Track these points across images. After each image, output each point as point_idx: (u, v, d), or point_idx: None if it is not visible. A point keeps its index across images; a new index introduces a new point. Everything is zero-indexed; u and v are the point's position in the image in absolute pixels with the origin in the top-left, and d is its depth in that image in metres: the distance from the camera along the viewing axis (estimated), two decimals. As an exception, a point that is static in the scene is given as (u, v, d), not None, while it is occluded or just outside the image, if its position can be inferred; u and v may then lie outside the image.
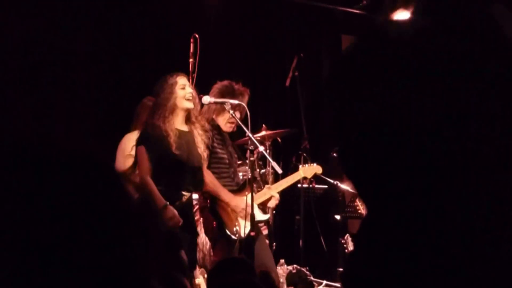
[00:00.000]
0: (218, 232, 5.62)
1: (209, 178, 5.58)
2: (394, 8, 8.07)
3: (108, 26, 7.57)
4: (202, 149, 5.34)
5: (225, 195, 5.63)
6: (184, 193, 5.19)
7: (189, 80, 5.49)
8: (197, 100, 5.37)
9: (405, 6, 7.98)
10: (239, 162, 6.06)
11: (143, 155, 5.19)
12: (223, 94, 5.76)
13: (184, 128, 5.32)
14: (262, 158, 6.14)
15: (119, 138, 6.48)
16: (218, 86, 5.88)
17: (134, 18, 7.75)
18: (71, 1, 7.27)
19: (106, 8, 7.54)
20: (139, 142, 5.27)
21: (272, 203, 5.86)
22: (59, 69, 7.22)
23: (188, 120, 5.34)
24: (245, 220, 5.52)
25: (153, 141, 5.16)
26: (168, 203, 5.05)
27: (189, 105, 5.25)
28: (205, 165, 5.50)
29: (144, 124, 5.42)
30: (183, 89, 5.25)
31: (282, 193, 5.97)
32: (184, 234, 5.14)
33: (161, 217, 5.02)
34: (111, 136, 6.80)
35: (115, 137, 6.56)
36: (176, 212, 5.02)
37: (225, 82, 5.91)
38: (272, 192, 5.83)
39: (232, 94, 5.77)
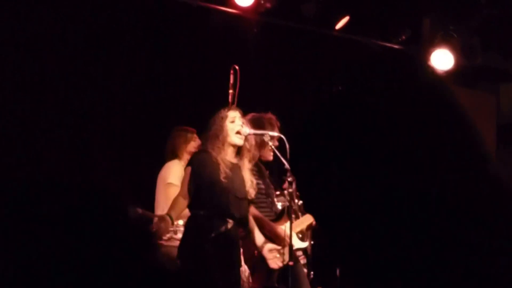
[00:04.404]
0: (258, 260, 5.67)
1: (251, 210, 5.67)
2: (433, 44, 8.15)
3: (146, 57, 7.67)
4: (248, 185, 5.42)
5: (268, 224, 5.71)
6: (229, 220, 5.28)
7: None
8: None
9: (443, 42, 8.05)
10: (277, 192, 6.11)
11: (187, 176, 5.36)
12: (257, 125, 5.79)
13: (234, 161, 5.40)
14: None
15: (158, 169, 6.57)
16: (247, 119, 5.90)
17: (173, 50, 7.84)
18: (110, 32, 7.40)
19: (144, 39, 7.65)
20: (189, 163, 5.45)
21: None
22: (94, 100, 7.33)
23: (238, 153, 5.44)
24: (285, 248, 5.58)
25: (203, 165, 5.28)
26: (170, 214, 5.25)
27: (238, 141, 5.34)
28: (252, 205, 5.57)
29: (196, 152, 5.59)
30: (232, 123, 5.35)
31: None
32: (226, 266, 5.22)
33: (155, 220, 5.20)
34: (151, 166, 6.89)
35: (154, 168, 6.66)
36: (166, 225, 5.19)
37: (252, 115, 5.94)
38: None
39: (262, 124, 5.84)
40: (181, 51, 7.89)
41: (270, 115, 6.02)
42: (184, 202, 5.33)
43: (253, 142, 5.63)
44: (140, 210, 6.32)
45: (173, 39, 7.83)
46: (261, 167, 5.94)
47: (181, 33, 7.87)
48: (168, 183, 6.34)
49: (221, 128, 5.32)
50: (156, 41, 7.72)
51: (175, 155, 6.52)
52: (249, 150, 5.45)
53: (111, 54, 7.42)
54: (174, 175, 6.28)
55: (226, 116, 5.36)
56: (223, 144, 5.32)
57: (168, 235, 5.96)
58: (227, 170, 5.28)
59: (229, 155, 5.37)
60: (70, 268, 1.02)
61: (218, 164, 5.26)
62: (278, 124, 5.98)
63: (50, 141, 6.94)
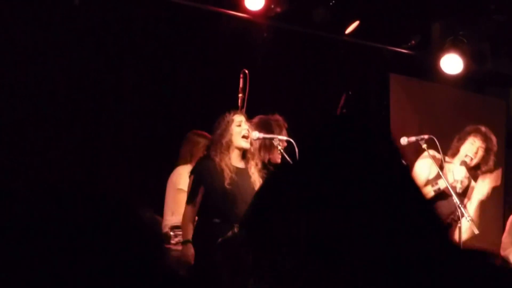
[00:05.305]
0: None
1: None
2: (442, 49, 8.15)
3: (156, 61, 7.67)
4: (257, 187, 5.43)
5: None
6: (236, 225, 5.27)
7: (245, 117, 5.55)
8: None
9: (452, 47, 8.05)
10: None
11: (190, 185, 5.40)
12: (265, 128, 5.80)
13: (240, 165, 5.41)
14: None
15: (167, 173, 6.56)
16: (254, 122, 5.85)
17: (183, 54, 7.84)
18: (120, 37, 7.41)
19: (153, 42, 7.65)
20: (191, 172, 5.45)
21: None
22: (104, 103, 7.33)
23: (244, 157, 5.44)
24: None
25: (206, 173, 5.29)
26: (190, 240, 5.24)
27: (245, 144, 5.35)
28: None
29: (199, 158, 5.59)
30: (239, 127, 5.35)
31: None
32: (234, 269, 5.23)
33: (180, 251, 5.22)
34: (159, 171, 6.89)
35: (163, 172, 6.66)
36: (190, 255, 5.19)
37: (259, 118, 5.93)
38: None
39: (270, 127, 5.83)
40: (191, 55, 7.89)
41: (277, 117, 6.00)
42: (193, 217, 5.38)
43: (257, 146, 5.63)
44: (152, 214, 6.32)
45: (182, 43, 7.83)
46: (269, 170, 5.92)
47: (190, 37, 7.87)
48: (179, 189, 6.31)
49: (227, 132, 5.32)
50: (166, 45, 7.73)
51: (188, 160, 6.47)
52: (254, 154, 5.46)
53: (122, 58, 7.43)
54: (185, 181, 6.26)
55: (232, 120, 5.36)
56: (228, 149, 5.32)
57: (176, 240, 5.97)
58: (233, 176, 5.28)
59: (234, 159, 5.36)
60: (81, 273, 1.02)
61: (221, 171, 5.26)
62: (286, 125, 5.96)
63: (60, 146, 6.95)
